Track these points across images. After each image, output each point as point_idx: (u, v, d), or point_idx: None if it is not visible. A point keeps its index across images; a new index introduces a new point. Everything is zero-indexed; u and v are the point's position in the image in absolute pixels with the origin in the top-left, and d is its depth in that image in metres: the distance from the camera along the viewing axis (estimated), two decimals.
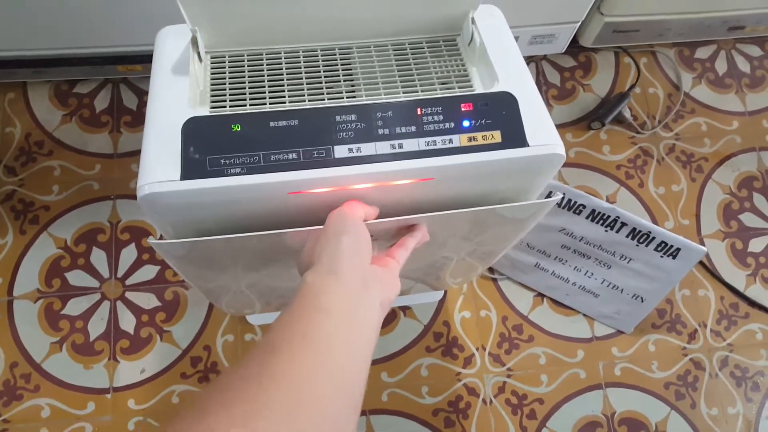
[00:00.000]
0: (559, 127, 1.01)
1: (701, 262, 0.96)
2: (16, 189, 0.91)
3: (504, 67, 0.48)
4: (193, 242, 0.45)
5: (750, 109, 1.06)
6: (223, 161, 0.42)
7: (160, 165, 0.42)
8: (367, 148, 0.44)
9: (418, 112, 0.45)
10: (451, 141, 0.44)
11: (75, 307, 0.86)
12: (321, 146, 0.43)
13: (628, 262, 0.85)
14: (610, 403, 0.88)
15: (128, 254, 0.89)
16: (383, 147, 0.44)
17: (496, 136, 0.45)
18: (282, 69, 0.50)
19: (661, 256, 0.83)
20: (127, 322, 0.86)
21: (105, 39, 0.84)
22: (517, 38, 0.92)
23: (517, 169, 0.46)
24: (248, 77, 0.49)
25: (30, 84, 0.96)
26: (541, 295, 0.92)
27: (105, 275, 0.88)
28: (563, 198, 0.82)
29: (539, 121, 0.46)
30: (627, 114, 1.01)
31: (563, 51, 0.99)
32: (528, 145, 0.45)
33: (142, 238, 0.90)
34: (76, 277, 0.87)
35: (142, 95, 0.97)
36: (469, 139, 0.44)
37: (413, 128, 0.44)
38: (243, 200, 0.44)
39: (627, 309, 0.89)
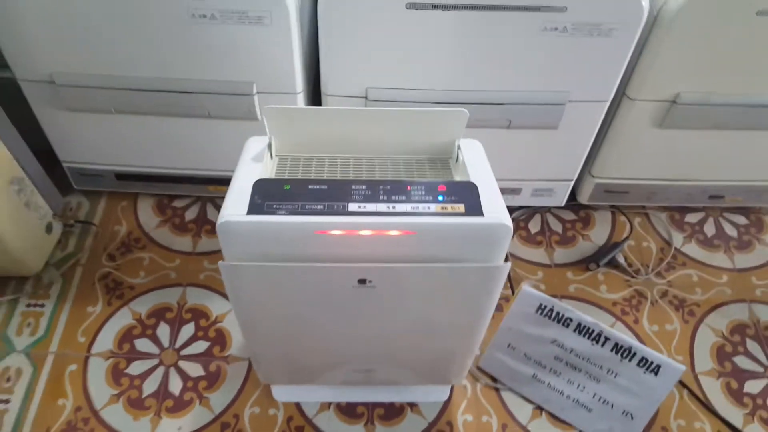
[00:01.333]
0: (559, 266, 1.18)
1: (696, 396, 1.03)
2: (112, 271, 1.15)
3: (474, 173, 0.69)
4: (249, 266, 0.65)
5: (739, 267, 1.19)
6: (275, 206, 0.63)
7: (234, 206, 0.64)
8: (371, 207, 0.64)
9: (408, 188, 0.65)
10: (429, 207, 0.64)
11: (136, 368, 1.03)
12: (340, 202, 0.64)
13: (615, 377, 0.95)
14: None
15: (187, 330, 1.07)
16: (382, 207, 0.64)
17: (461, 208, 0.64)
18: (324, 165, 0.73)
19: (644, 372, 0.93)
20: (175, 385, 1.01)
21: (202, 164, 1.13)
22: (519, 189, 1.15)
23: (474, 233, 0.64)
24: (302, 166, 0.72)
25: (140, 196, 1.25)
26: (540, 408, 1.01)
27: (165, 345, 1.06)
28: (552, 310, 0.96)
29: (494, 204, 0.65)
30: (621, 260, 1.17)
31: (563, 205, 1.20)
32: (483, 215, 0.63)
33: (201, 318, 1.09)
34: (143, 344, 1.06)
35: None
36: (442, 208, 0.64)
37: (404, 197, 0.64)
38: (284, 236, 0.63)
39: (619, 427, 0.96)
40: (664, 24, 0.86)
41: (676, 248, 1.21)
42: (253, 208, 0.63)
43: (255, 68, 0.93)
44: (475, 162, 0.71)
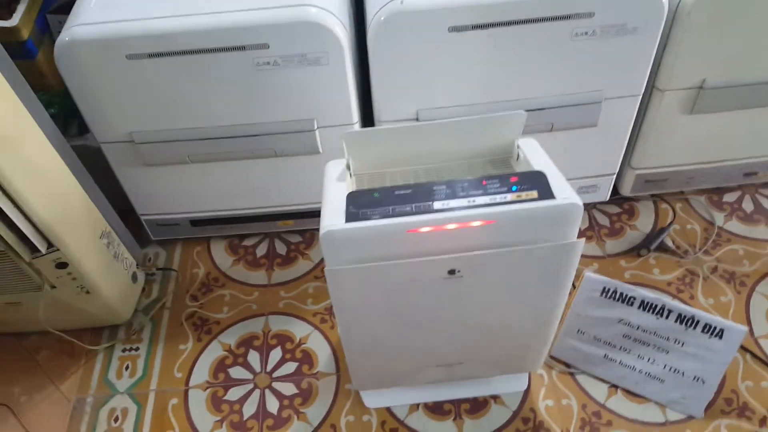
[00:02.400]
0: (612, 256, 1.25)
1: (759, 358, 1.08)
2: (197, 310, 1.24)
3: (536, 163, 0.78)
4: (351, 269, 0.73)
5: None
6: (368, 212, 0.72)
7: (333, 217, 0.73)
8: (453, 203, 0.72)
9: (484, 183, 0.74)
10: (505, 197, 0.72)
11: (234, 394, 1.11)
12: (425, 202, 0.73)
13: (682, 346, 1.01)
14: None
15: (275, 354, 1.15)
16: (463, 202, 0.72)
17: (534, 194, 0.73)
18: (397, 177, 0.83)
19: (709, 338, 0.99)
20: (273, 405, 1.09)
21: (270, 201, 1.23)
22: None
23: (549, 215, 0.72)
24: (378, 181, 0.82)
25: (212, 239, 1.35)
26: (615, 387, 1.07)
27: (257, 370, 1.14)
28: (616, 291, 1.03)
29: (562, 187, 0.73)
30: (669, 243, 1.24)
31: (607, 200, 1.28)
32: (555, 198, 0.72)
33: (286, 342, 1.17)
34: (236, 372, 1.14)
35: (290, 245, 1.33)
36: (517, 196, 0.72)
37: (480, 191, 0.73)
38: (381, 237, 0.72)
39: (691, 393, 1.01)
40: (682, 17, 0.95)
41: (718, 227, 1.28)
42: (350, 216, 0.72)
43: (315, 105, 1.04)
44: (536, 156, 0.80)
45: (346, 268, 0.74)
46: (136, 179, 1.19)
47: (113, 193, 1.21)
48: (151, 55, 0.96)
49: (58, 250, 1.00)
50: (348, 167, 0.83)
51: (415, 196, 0.74)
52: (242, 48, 0.95)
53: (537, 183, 0.73)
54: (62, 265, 1.03)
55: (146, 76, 0.98)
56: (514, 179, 0.74)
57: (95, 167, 1.17)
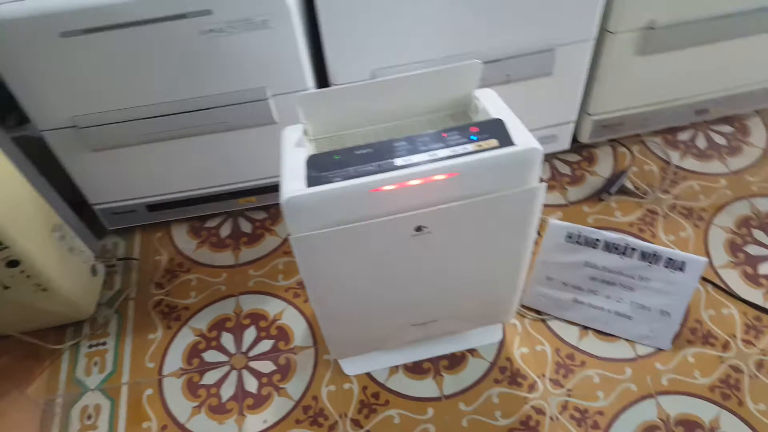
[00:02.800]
0: (574, 203, 1.27)
1: (719, 287, 1.12)
2: (163, 298, 1.21)
3: (494, 112, 0.77)
4: (316, 234, 0.72)
5: (733, 169, 1.29)
6: (330, 175, 0.71)
7: (293, 183, 0.71)
8: (415, 158, 0.71)
9: (444, 135, 0.73)
10: (466, 148, 0.72)
11: (210, 377, 1.09)
12: (386, 160, 0.71)
13: (647, 282, 1.04)
14: (663, 409, 0.99)
15: (249, 334, 1.14)
16: (425, 156, 0.71)
17: (494, 142, 0.72)
18: (358, 138, 0.81)
19: (672, 272, 1.02)
20: (251, 384, 1.07)
21: (229, 178, 1.20)
22: None
23: (511, 162, 0.72)
24: (338, 143, 0.80)
25: (172, 224, 1.32)
26: (586, 328, 1.09)
27: (232, 351, 1.12)
28: (580, 236, 1.04)
29: (521, 134, 0.73)
30: (629, 186, 1.26)
31: (568, 148, 1.29)
32: (515, 145, 0.72)
33: (260, 321, 1.15)
34: (211, 356, 1.12)
35: (254, 222, 1.31)
36: (478, 146, 0.72)
37: (441, 144, 0.72)
38: (345, 200, 0.71)
39: (658, 326, 1.04)
40: None
41: (675, 165, 1.31)
42: (312, 181, 0.70)
43: (266, 72, 1.00)
44: (494, 105, 0.79)
45: (311, 234, 0.73)
46: (84, 166, 1.14)
47: (64, 184, 1.16)
48: (86, 31, 0.91)
49: (7, 247, 0.95)
50: (305, 132, 0.81)
51: (376, 155, 0.72)
52: (183, 16, 0.91)
53: (496, 131, 0.73)
54: (13, 263, 0.98)
55: (84, 55, 0.93)
56: (473, 129, 0.74)
57: (41, 158, 1.11)
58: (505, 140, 0.72)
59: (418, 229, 0.76)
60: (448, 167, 0.71)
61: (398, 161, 0.71)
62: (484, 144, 0.72)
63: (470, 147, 0.72)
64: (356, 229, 0.73)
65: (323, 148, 0.81)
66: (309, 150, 0.79)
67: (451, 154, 0.72)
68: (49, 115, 1.03)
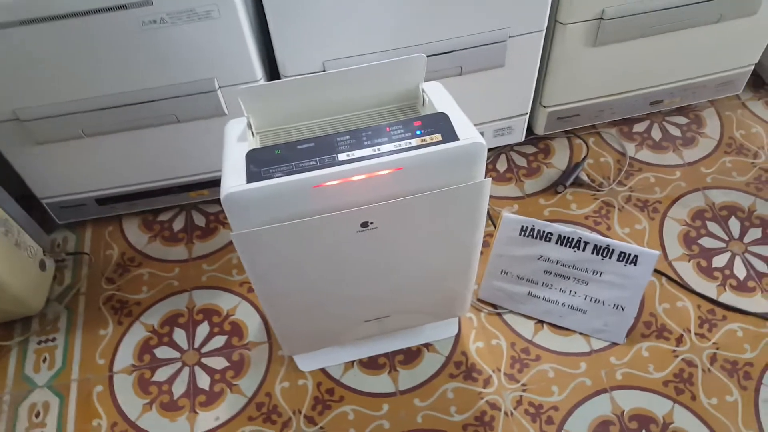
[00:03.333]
0: (530, 195, 1.27)
1: (674, 280, 1.13)
2: (114, 293, 1.18)
3: (441, 106, 0.76)
4: (257, 231, 0.70)
5: (688, 161, 1.30)
6: (271, 170, 0.69)
7: (233, 179, 0.69)
8: (358, 153, 0.70)
9: (387, 130, 0.72)
10: (410, 143, 0.71)
11: (161, 374, 1.07)
12: (329, 155, 0.70)
13: (600, 276, 1.04)
14: (617, 404, 1.00)
15: (202, 330, 1.12)
16: (368, 151, 0.70)
17: (438, 137, 0.71)
18: (303, 132, 0.79)
19: (625, 265, 1.02)
20: (203, 381, 1.06)
21: (180, 171, 1.17)
22: (482, 133, 1.23)
23: (455, 156, 0.71)
24: (284, 137, 0.78)
25: (124, 217, 1.29)
26: (541, 322, 1.09)
27: (185, 347, 1.10)
28: (533, 229, 1.04)
29: (466, 128, 0.72)
30: (584, 178, 1.26)
31: (523, 140, 1.29)
32: (459, 139, 0.71)
33: (213, 316, 1.13)
34: (162, 352, 1.10)
35: (208, 216, 1.28)
36: (422, 140, 0.71)
37: (385, 139, 0.71)
38: (286, 196, 0.69)
39: (613, 320, 1.05)
40: None
41: (630, 157, 1.31)
42: (252, 176, 0.69)
43: (213, 63, 0.98)
44: (440, 99, 0.78)
45: (254, 231, 0.71)
46: (29, 160, 1.10)
47: (11, 178, 1.13)
48: (23, 23, 0.87)
49: None
50: (249, 126, 0.79)
51: (318, 150, 0.71)
52: (124, 7, 0.88)
53: (440, 125, 0.72)
54: None
55: (22, 47, 0.90)
56: (417, 123, 0.72)
57: None
58: (450, 135, 0.71)
59: (364, 224, 0.74)
60: (392, 162, 0.69)
61: (341, 156, 0.70)
62: (429, 138, 0.71)
63: (414, 141, 0.71)
64: (300, 225, 0.72)
65: (268, 142, 0.79)
66: (252, 144, 0.77)
67: (395, 148, 0.70)
68: None
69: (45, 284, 1.18)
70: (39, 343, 1.13)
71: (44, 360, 1.11)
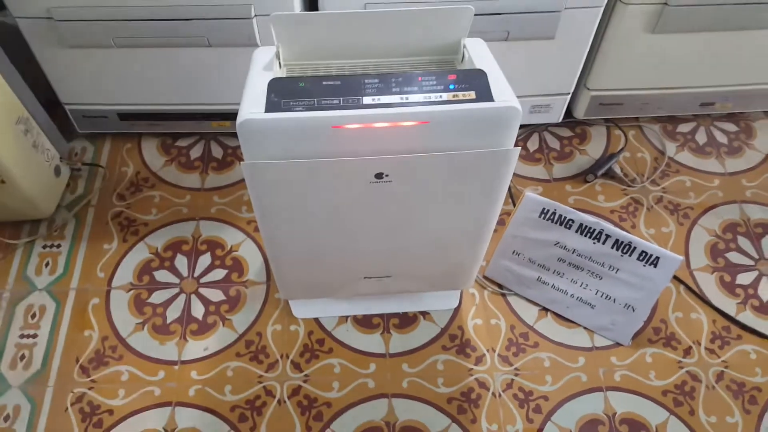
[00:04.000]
0: (558, 180, 1.22)
1: (692, 289, 1.08)
2: (123, 210, 1.17)
3: (480, 65, 0.72)
4: (269, 164, 0.67)
5: (729, 171, 1.24)
6: (291, 103, 0.66)
7: (252, 106, 0.66)
8: (385, 99, 0.66)
9: (419, 79, 0.68)
10: (441, 96, 0.67)
11: (158, 297, 1.06)
12: (354, 96, 0.66)
13: (616, 272, 1.00)
14: (610, 404, 0.97)
15: (204, 260, 1.11)
16: (395, 98, 0.66)
17: (472, 95, 0.67)
18: (332, 70, 0.75)
19: (644, 265, 0.98)
20: (198, 310, 1.05)
21: (205, 98, 1.15)
22: None
23: (486, 118, 0.67)
24: (311, 73, 0.75)
25: (143, 136, 1.27)
26: (546, 310, 1.06)
27: (184, 275, 1.09)
28: (555, 213, 1.00)
29: (502, 89, 0.68)
30: (618, 171, 1.21)
31: (560, 121, 1.24)
32: (494, 101, 0.66)
33: (216, 249, 1.12)
34: (162, 276, 1.09)
35: (227, 149, 1.26)
36: (453, 96, 0.67)
37: (415, 88, 0.67)
38: (303, 132, 0.66)
39: (621, 320, 1.01)
40: None
41: (669, 157, 1.25)
42: (271, 106, 0.66)
43: None
44: (481, 57, 0.74)
45: (265, 163, 0.68)
46: (58, 62, 1.08)
47: (37, 81, 1.12)
48: None
49: None
50: (278, 55, 0.75)
51: (344, 89, 0.67)
52: None
53: (476, 83, 0.67)
54: None
55: None
56: (452, 77, 0.68)
57: (19, 49, 1.06)
58: (484, 94, 0.67)
59: (379, 176, 0.71)
60: (418, 114, 0.66)
61: (366, 99, 0.66)
62: (461, 95, 0.67)
63: (445, 96, 0.67)
64: (312, 165, 0.69)
65: (295, 75, 0.76)
66: (278, 74, 0.74)
67: (424, 100, 0.66)
68: (24, 1, 0.97)
69: (57, 190, 1.17)
70: (44, 247, 1.13)
71: (47, 264, 1.11)
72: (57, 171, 1.16)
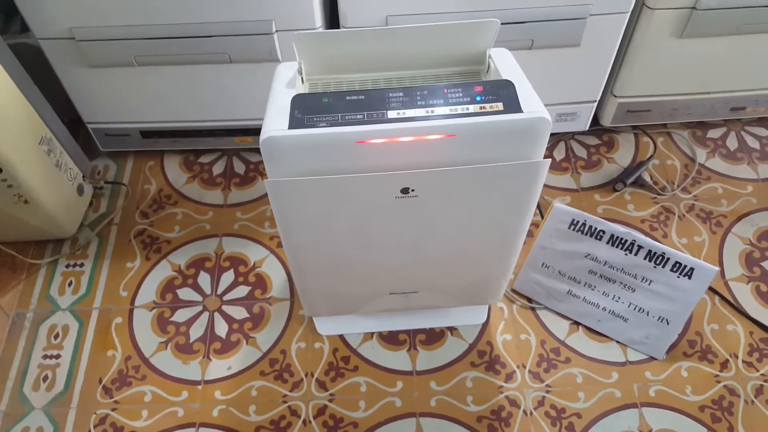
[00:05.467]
0: (586, 190, 1.19)
1: (727, 300, 1.04)
2: (146, 228, 1.17)
3: (507, 75, 0.70)
4: (293, 181, 0.66)
5: (763, 177, 1.20)
6: (315, 119, 0.64)
7: (275, 123, 0.65)
8: (410, 113, 0.65)
9: (445, 92, 0.66)
10: (467, 109, 0.65)
11: (181, 315, 1.06)
12: (378, 111, 0.65)
13: (649, 284, 0.97)
14: (646, 421, 0.93)
15: (227, 277, 1.10)
16: (420, 112, 0.65)
17: (499, 106, 0.65)
18: (356, 85, 0.74)
19: (678, 277, 0.95)
20: (221, 329, 1.04)
21: (227, 114, 1.14)
22: None
23: (515, 130, 0.65)
24: (334, 87, 0.73)
25: (166, 153, 1.27)
26: (577, 324, 1.03)
27: (207, 292, 1.08)
28: (585, 224, 0.98)
29: (531, 99, 0.66)
30: (647, 179, 1.18)
31: (586, 129, 1.21)
32: (522, 112, 0.64)
33: (240, 265, 1.11)
34: (185, 293, 1.08)
35: (249, 164, 1.25)
36: (481, 108, 0.65)
37: (441, 101, 0.65)
38: (327, 148, 0.65)
39: (655, 333, 0.98)
40: None
41: (700, 163, 1.22)
42: (294, 123, 0.64)
43: (274, 5, 0.94)
44: (507, 67, 0.72)
45: (289, 180, 0.67)
46: (80, 82, 1.09)
47: (60, 100, 1.12)
48: None
49: None
50: (300, 71, 0.74)
51: (368, 103, 0.66)
52: None
53: (503, 94, 0.66)
54: None
55: None
56: (478, 89, 0.66)
57: (41, 70, 1.07)
58: (512, 105, 0.65)
59: (405, 191, 0.69)
60: (445, 127, 0.64)
61: (391, 113, 0.65)
62: (488, 106, 0.65)
63: (472, 108, 0.65)
64: (336, 181, 0.67)
65: (317, 90, 0.75)
66: (300, 90, 0.73)
67: (450, 113, 0.65)
68: (46, 22, 0.98)
69: (80, 209, 1.18)
70: (67, 266, 1.13)
71: (70, 284, 1.11)
72: (80, 190, 1.16)
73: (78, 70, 1.06)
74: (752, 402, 0.95)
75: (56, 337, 1.05)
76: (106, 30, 0.98)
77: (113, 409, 0.96)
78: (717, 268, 0.93)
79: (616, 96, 1.15)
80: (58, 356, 1.03)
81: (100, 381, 0.99)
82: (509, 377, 0.98)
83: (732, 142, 1.25)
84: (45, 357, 1.02)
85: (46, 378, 1.00)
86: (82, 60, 1.03)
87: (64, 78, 1.08)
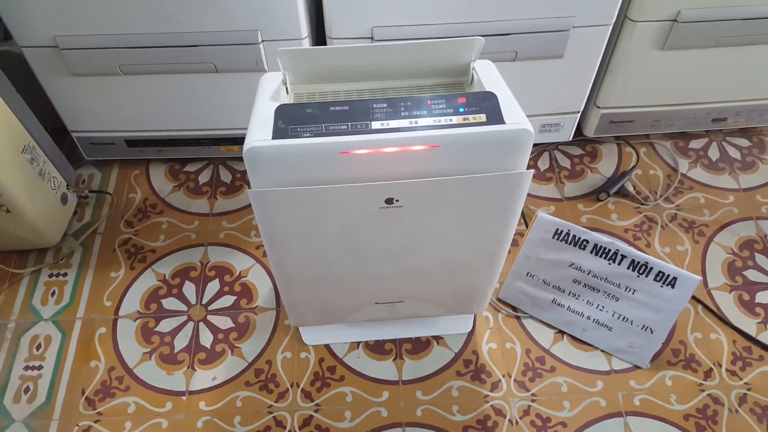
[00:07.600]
0: (570, 199, 1.20)
1: (711, 309, 1.05)
2: (131, 237, 1.16)
3: (490, 86, 0.70)
4: (277, 191, 0.66)
5: (744, 187, 1.22)
6: (299, 129, 0.65)
7: (259, 133, 0.65)
8: (394, 123, 0.65)
9: (428, 103, 0.67)
10: (451, 120, 0.65)
11: (165, 325, 1.05)
12: (362, 122, 0.65)
13: (633, 294, 0.98)
14: (631, 430, 0.94)
15: (212, 287, 1.09)
16: (404, 123, 0.65)
17: (482, 117, 0.65)
18: (340, 96, 0.74)
19: (661, 286, 0.95)
20: (206, 339, 1.03)
21: (212, 123, 1.14)
22: None
23: (498, 141, 0.65)
24: (318, 98, 0.74)
25: (151, 162, 1.26)
26: (562, 333, 1.03)
27: (192, 302, 1.07)
28: (569, 234, 0.98)
29: (513, 111, 0.66)
30: (630, 188, 1.19)
31: (570, 139, 1.22)
32: (505, 123, 0.65)
33: (225, 275, 1.11)
34: (170, 303, 1.07)
35: (236, 173, 1.25)
36: (464, 119, 0.65)
37: (425, 112, 0.66)
38: (311, 158, 0.65)
39: (639, 341, 0.99)
40: None
41: (682, 174, 1.23)
42: (278, 133, 0.64)
43: (259, 15, 0.94)
44: (490, 79, 0.73)
45: (272, 190, 0.67)
46: (64, 90, 1.08)
47: (44, 109, 1.11)
48: None
49: None
50: (285, 81, 0.74)
51: (352, 114, 0.66)
52: None
53: (486, 105, 0.66)
54: None
55: None
56: (461, 100, 0.67)
57: (25, 78, 1.06)
58: (495, 117, 0.65)
59: (389, 201, 0.70)
60: (428, 138, 0.64)
61: (375, 124, 0.65)
62: (471, 118, 0.66)
63: (455, 119, 0.65)
64: (320, 192, 0.67)
65: (302, 101, 0.75)
66: (285, 100, 0.73)
67: (434, 124, 0.65)
68: (30, 30, 0.98)
69: (64, 218, 1.17)
70: (50, 276, 1.12)
71: (53, 294, 1.10)
72: (64, 199, 1.15)
73: (62, 79, 1.05)
74: (736, 411, 0.95)
75: (38, 347, 1.04)
76: (90, 39, 0.98)
77: (96, 421, 0.95)
78: (700, 278, 0.94)
79: (599, 107, 1.16)
80: (40, 367, 1.01)
81: (83, 392, 0.98)
82: (495, 386, 0.98)
83: (714, 153, 1.27)
84: (26, 368, 1.01)
85: (27, 390, 0.99)
86: (66, 69, 1.03)
87: (48, 86, 1.08)
